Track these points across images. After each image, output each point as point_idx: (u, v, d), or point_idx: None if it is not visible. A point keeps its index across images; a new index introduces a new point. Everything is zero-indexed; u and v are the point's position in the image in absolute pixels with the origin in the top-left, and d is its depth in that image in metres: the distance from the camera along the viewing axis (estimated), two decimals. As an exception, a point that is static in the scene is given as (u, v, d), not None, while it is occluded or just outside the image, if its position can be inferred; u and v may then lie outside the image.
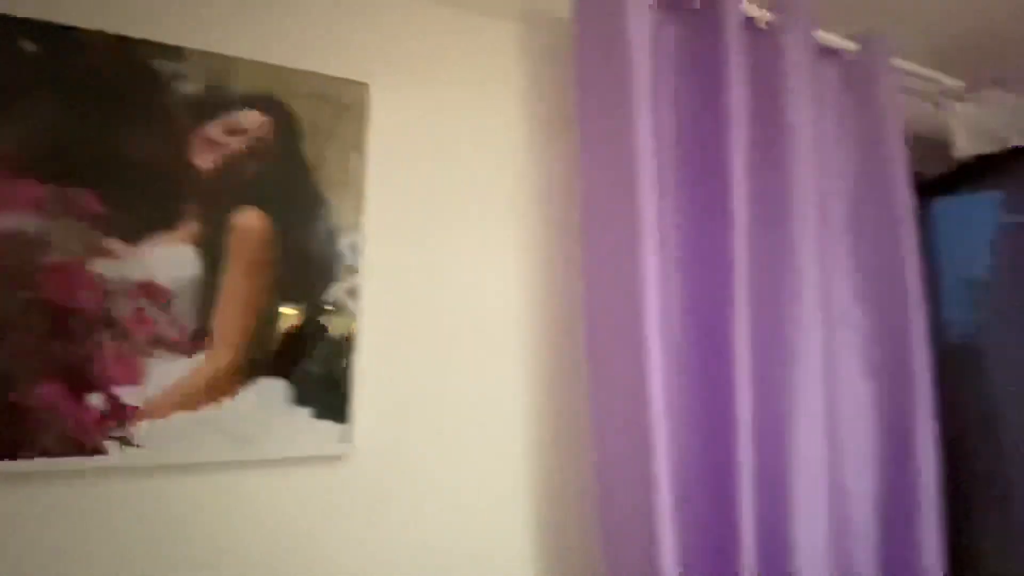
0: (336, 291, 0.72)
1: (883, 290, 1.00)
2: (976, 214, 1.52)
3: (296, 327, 0.71)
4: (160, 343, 0.64)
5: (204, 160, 0.69)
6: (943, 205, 1.55)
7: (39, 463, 0.58)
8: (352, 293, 0.73)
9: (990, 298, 1.32)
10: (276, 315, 0.70)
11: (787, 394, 0.86)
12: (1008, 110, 1.18)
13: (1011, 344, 1.26)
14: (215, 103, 0.71)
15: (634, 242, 0.77)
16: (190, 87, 0.70)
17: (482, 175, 0.91)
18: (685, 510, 0.81)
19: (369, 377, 0.77)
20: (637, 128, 0.78)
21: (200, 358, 0.66)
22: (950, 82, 1.20)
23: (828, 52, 1.06)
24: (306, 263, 0.72)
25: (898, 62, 1.10)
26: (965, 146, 1.20)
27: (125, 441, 0.62)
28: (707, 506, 0.82)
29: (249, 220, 0.70)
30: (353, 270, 0.74)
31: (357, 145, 0.78)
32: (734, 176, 0.83)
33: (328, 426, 0.71)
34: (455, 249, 0.87)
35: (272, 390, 0.69)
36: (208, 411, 0.65)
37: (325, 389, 0.71)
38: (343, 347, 0.73)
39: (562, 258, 0.97)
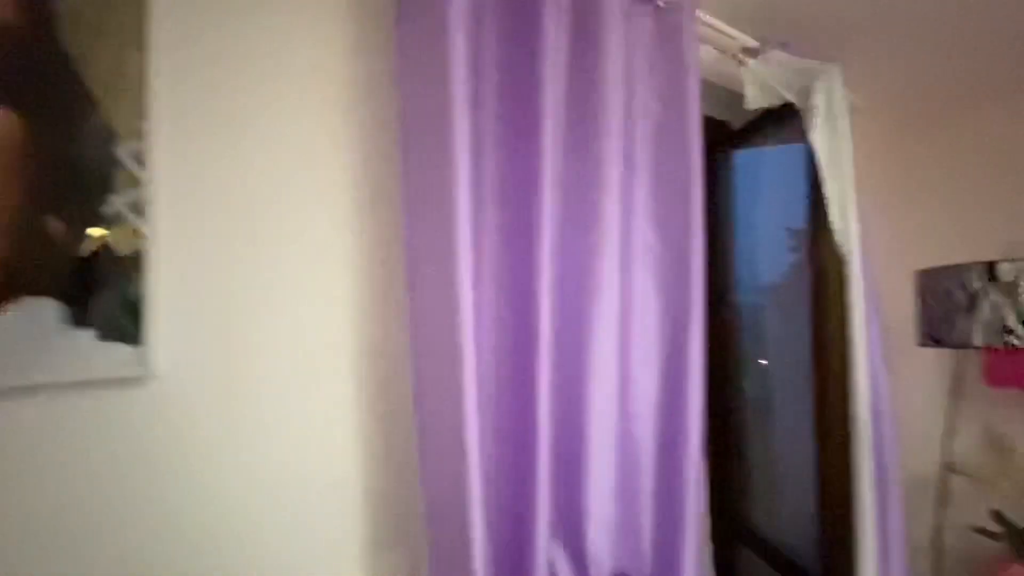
0: (115, 204, 0.67)
1: (675, 230, 1.16)
2: (763, 164, 1.80)
3: (66, 242, 0.64)
4: None
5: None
6: (740, 155, 1.82)
7: None
8: (137, 207, 0.68)
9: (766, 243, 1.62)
10: (40, 228, 0.63)
11: (588, 295, 1.01)
12: (788, 70, 1.39)
13: (786, 288, 1.54)
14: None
15: (448, 172, 0.81)
16: None
17: (294, 72, 0.86)
18: (488, 414, 0.92)
19: (171, 297, 0.72)
20: (452, 80, 0.80)
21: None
22: (747, 40, 1.37)
23: (643, 2, 1.15)
24: (74, 172, 0.65)
25: (705, 17, 1.23)
26: (754, 99, 1.40)
27: None
28: (510, 408, 0.94)
29: (-6, 120, 0.61)
30: (137, 181, 0.68)
31: (137, 42, 0.70)
32: (547, 131, 0.91)
33: (118, 349, 0.67)
34: (265, 157, 0.82)
35: (42, 310, 0.63)
36: (-40, 334, 0.59)
37: (112, 310, 0.67)
38: (130, 265, 0.68)
39: (381, 157, 0.95)
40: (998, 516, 2.18)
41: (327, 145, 0.90)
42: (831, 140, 1.29)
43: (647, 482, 1.11)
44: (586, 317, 1.02)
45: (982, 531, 2.21)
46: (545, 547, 0.92)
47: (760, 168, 1.86)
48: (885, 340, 1.40)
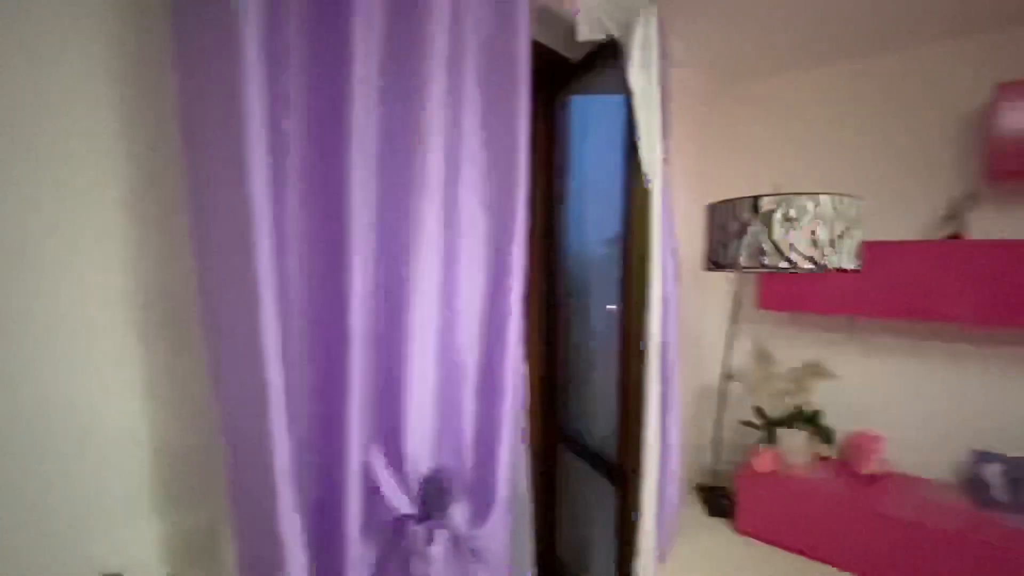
0: None
1: (502, 151, 1.17)
2: (602, 113, 1.89)
3: None
4: None
5: None
6: (579, 102, 1.90)
7: None
8: None
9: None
10: None
11: (411, 216, 0.99)
12: (613, 4, 1.45)
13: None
14: None
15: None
16: None
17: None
18: (293, 337, 0.87)
19: None
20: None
21: None
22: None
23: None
24: None
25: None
26: (583, 31, 1.45)
27: None
28: (320, 328, 0.90)
29: None
30: None
31: None
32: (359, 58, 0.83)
33: None
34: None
35: None
36: None
37: None
38: None
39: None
40: (759, 412, 2.77)
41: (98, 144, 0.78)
42: (644, 77, 1.39)
43: (468, 393, 1.17)
44: (407, 237, 1.00)
45: (748, 424, 2.80)
46: (359, 451, 0.92)
47: (600, 118, 1.94)
48: (677, 266, 1.62)
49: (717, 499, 2.75)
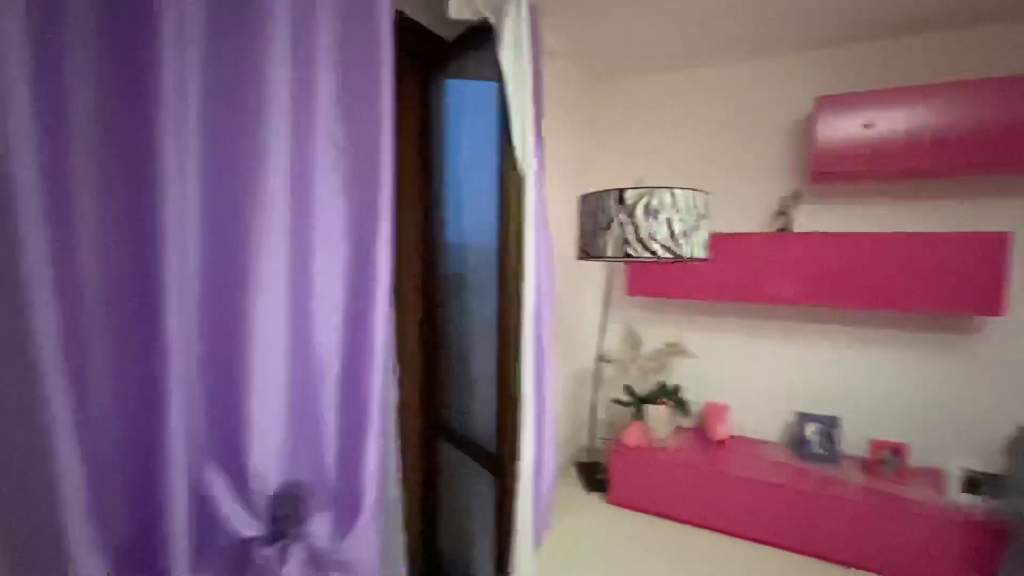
0: None
1: (363, 126, 1.07)
2: (477, 97, 1.85)
3: None
4: None
5: None
6: (454, 86, 1.84)
7: None
8: None
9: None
10: None
11: (250, 198, 0.86)
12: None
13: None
14: None
15: None
16: None
17: None
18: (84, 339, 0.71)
19: None
20: None
21: None
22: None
23: None
24: None
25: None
26: (456, 9, 1.39)
27: None
28: (125, 331, 0.75)
29: None
30: None
31: None
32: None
33: None
34: None
35: None
36: None
37: None
38: None
39: None
40: (628, 390, 2.98)
41: None
42: (516, 62, 1.37)
43: (330, 397, 1.07)
44: (245, 222, 0.87)
45: (619, 402, 3.00)
46: (185, 471, 0.79)
47: (477, 103, 1.89)
48: (552, 255, 1.65)
49: (593, 475, 2.92)
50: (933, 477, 2.32)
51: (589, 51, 2.70)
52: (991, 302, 2.11)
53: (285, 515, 0.97)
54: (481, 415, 1.75)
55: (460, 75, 1.83)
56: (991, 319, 2.32)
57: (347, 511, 1.08)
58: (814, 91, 2.51)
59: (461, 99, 1.87)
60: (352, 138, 1.05)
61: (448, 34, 1.77)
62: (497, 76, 1.43)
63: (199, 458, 0.86)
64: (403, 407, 1.94)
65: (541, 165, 1.55)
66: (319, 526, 1.04)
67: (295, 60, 0.93)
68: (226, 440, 0.90)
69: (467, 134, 1.85)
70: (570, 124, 2.93)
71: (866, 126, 2.25)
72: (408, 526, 1.87)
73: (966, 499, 2.10)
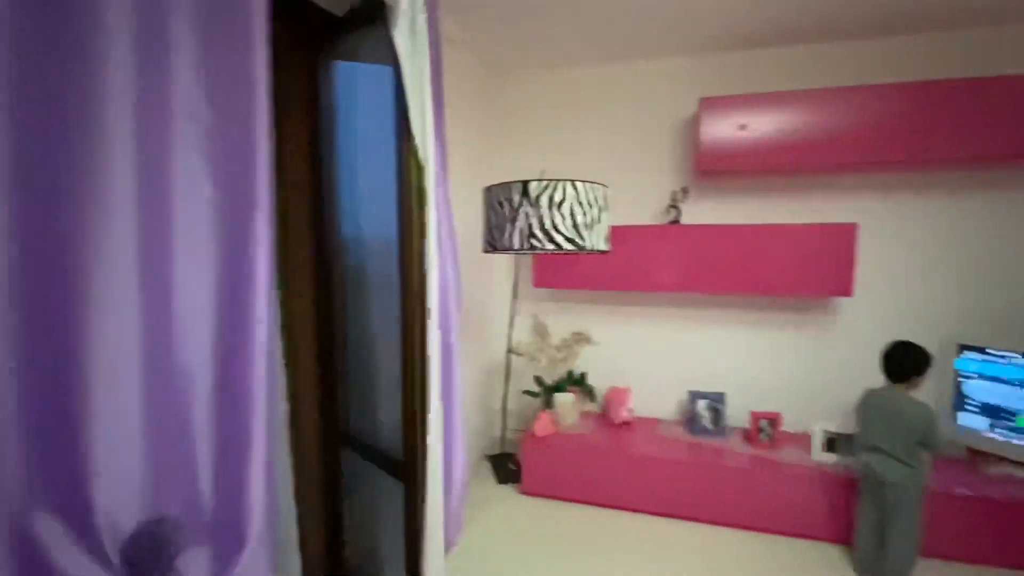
0: None
1: (233, 97, 0.94)
2: (370, 82, 1.72)
3: None
4: None
5: None
6: (342, 62, 1.71)
7: None
8: None
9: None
10: None
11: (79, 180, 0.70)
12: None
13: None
14: None
15: None
16: None
17: None
18: None
19: None
20: None
21: None
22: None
23: None
24: None
25: None
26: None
27: None
28: None
29: None
30: None
31: None
32: None
33: None
34: None
35: None
36: None
37: None
38: None
39: None
40: (538, 380, 3.02)
41: None
42: (412, 45, 1.29)
43: (201, 416, 0.93)
44: (79, 222, 0.72)
45: (529, 393, 3.03)
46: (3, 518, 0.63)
47: (372, 88, 1.76)
48: (457, 248, 1.59)
49: (505, 467, 2.93)
50: (802, 440, 2.62)
51: (490, 41, 2.66)
52: (843, 284, 2.42)
53: (147, 559, 0.83)
54: (386, 419, 1.65)
55: (353, 56, 1.69)
56: (843, 299, 2.66)
57: (229, 544, 0.95)
58: (700, 92, 2.68)
59: (355, 81, 1.74)
60: (218, 113, 0.91)
61: (339, 10, 1.63)
62: (392, 59, 1.33)
63: (26, 502, 0.70)
64: (297, 417, 1.79)
65: (443, 154, 1.48)
66: (194, 566, 0.90)
67: (139, 26, 0.78)
68: (62, 478, 0.74)
69: (364, 119, 1.72)
70: (474, 114, 2.88)
71: (741, 127, 2.46)
72: (307, 545, 1.73)
73: (827, 457, 2.40)
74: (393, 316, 1.48)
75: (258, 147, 0.93)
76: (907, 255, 2.59)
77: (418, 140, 1.34)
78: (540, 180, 1.52)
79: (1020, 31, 2.34)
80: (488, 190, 1.64)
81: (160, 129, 0.83)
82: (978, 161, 2.26)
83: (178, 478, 0.90)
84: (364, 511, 1.85)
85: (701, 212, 2.84)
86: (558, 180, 1.50)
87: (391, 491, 1.59)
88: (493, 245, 1.63)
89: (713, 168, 2.55)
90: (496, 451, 3.18)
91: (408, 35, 1.30)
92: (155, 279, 0.84)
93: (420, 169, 1.35)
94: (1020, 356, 2.23)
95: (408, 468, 1.47)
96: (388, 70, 1.39)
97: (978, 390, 2.34)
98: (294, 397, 1.72)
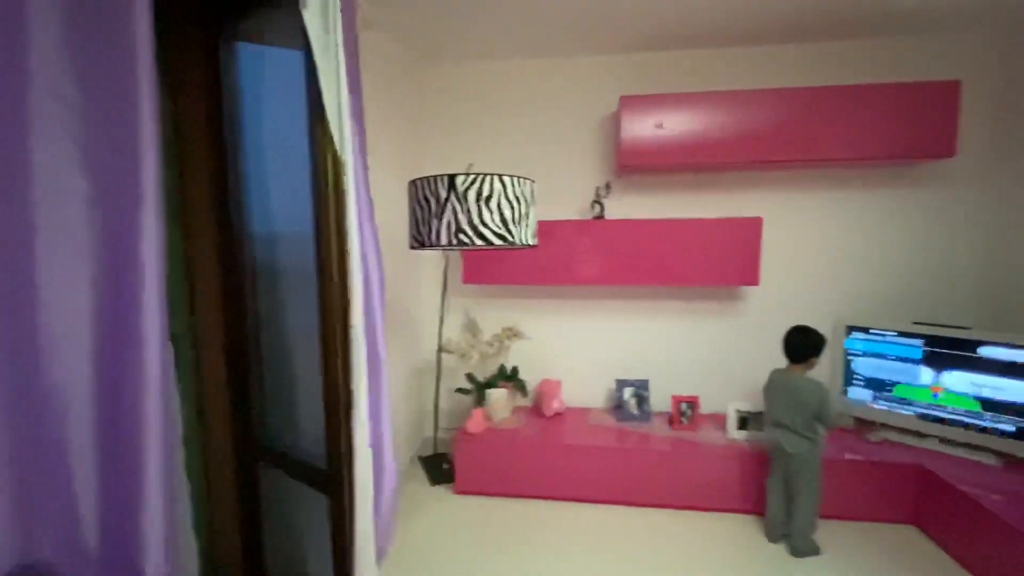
0: None
1: (109, 76, 0.81)
2: (280, 68, 1.59)
3: None
4: None
5: None
6: (247, 43, 1.56)
7: None
8: None
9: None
10: None
11: None
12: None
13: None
14: None
15: None
16: None
17: None
18: None
19: None
20: None
21: None
22: None
23: None
24: None
25: None
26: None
27: None
28: None
29: None
30: None
31: None
32: None
33: None
34: None
35: None
36: None
37: None
38: None
39: None
40: (470, 378, 2.98)
41: None
42: (322, 23, 1.19)
43: (81, 444, 0.80)
44: None
45: (461, 391, 2.98)
46: None
47: (284, 73, 1.62)
48: (380, 245, 1.51)
49: (439, 468, 2.87)
50: (719, 420, 2.79)
51: (412, 28, 2.56)
52: (751, 274, 2.60)
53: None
54: (307, 429, 1.54)
55: (259, 36, 1.54)
56: (751, 288, 2.87)
57: (121, 585, 0.83)
58: (622, 90, 2.76)
59: (263, 64, 1.59)
60: (90, 92, 0.78)
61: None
62: (304, 41, 1.23)
63: None
64: (206, 432, 1.62)
65: (363, 144, 1.40)
66: (76, 617, 0.78)
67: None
68: None
69: (275, 107, 1.59)
70: (396, 105, 2.77)
71: (657, 126, 2.56)
72: (222, 573, 1.58)
73: (740, 435, 2.58)
74: (312, 317, 1.38)
75: (142, 132, 0.82)
76: (805, 246, 2.83)
77: (333, 127, 1.25)
78: (467, 174, 1.48)
79: (905, 43, 2.63)
80: (413, 184, 1.58)
81: (11, 109, 0.70)
82: (863, 160, 2.51)
83: (54, 521, 0.78)
84: (286, 529, 1.73)
85: (623, 207, 2.93)
86: (486, 174, 1.47)
87: (316, 506, 1.49)
88: (420, 241, 1.57)
89: (633, 164, 2.64)
90: (429, 452, 3.11)
91: (320, 15, 1.20)
92: (14, 296, 0.71)
93: (336, 158, 1.26)
94: (896, 334, 2.52)
95: (333, 480, 1.38)
96: (299, 54, 1.28)
97: (864, 366, 2.62)
98: (200, 411, 1.56)
